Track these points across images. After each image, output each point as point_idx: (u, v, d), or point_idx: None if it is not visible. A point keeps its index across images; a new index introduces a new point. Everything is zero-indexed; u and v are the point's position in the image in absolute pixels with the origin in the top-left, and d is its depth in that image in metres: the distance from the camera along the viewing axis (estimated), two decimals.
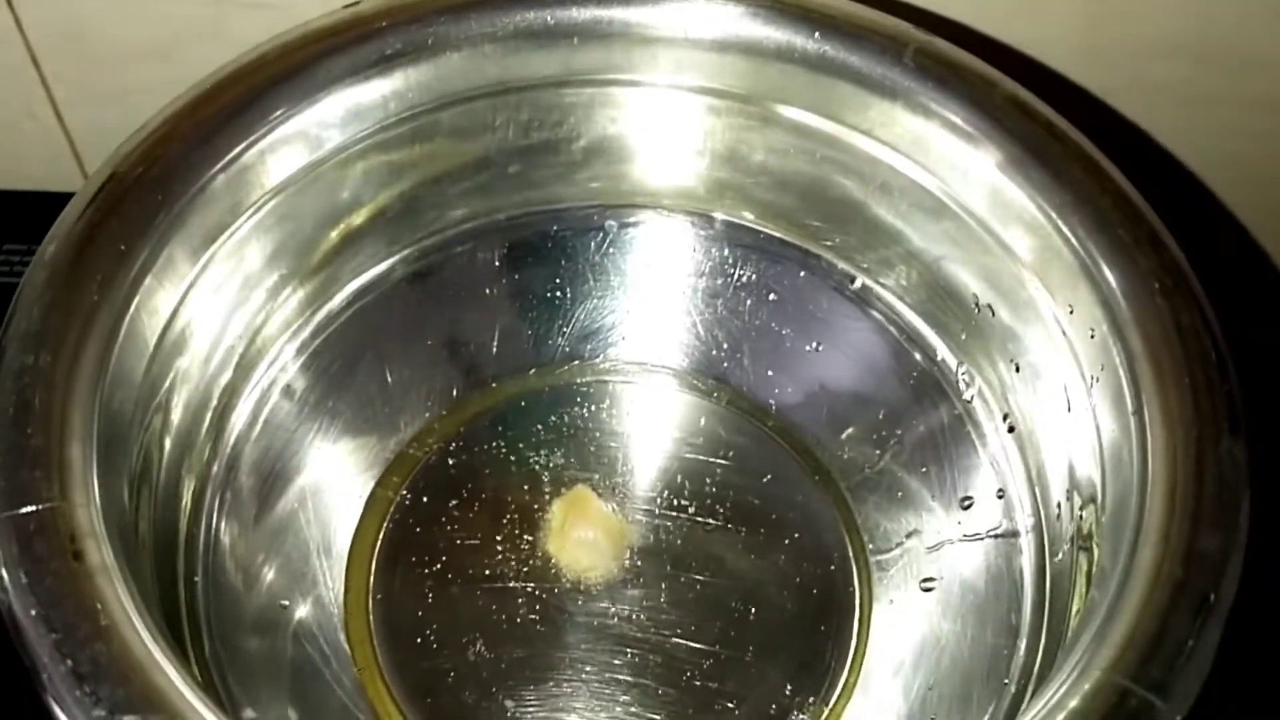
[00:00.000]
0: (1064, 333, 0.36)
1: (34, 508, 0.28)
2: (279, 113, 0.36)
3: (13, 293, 0.50)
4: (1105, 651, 0.28)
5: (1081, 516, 0.36)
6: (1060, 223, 0.36)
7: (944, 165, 0.39)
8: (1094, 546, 0.35)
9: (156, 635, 0.27)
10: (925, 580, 0.42)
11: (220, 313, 0.38)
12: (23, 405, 0.29)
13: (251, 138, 0.36)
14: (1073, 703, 0.27)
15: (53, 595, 0.27)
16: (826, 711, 0.40)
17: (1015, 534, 0.40)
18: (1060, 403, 0.37)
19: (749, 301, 0.46)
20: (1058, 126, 0.37)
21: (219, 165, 0.35)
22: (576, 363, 0.47)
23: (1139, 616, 0.29)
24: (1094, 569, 0.34)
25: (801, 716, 0.40)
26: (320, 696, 0.39)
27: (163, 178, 0.34)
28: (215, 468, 0.39)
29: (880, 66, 0.38)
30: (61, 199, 0.54)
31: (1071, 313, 0.36)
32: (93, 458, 0.30)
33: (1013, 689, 0.37)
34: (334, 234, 0.41)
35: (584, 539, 0.43)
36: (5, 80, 0.51)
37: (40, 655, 0.26)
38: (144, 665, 0.26)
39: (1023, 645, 0.38)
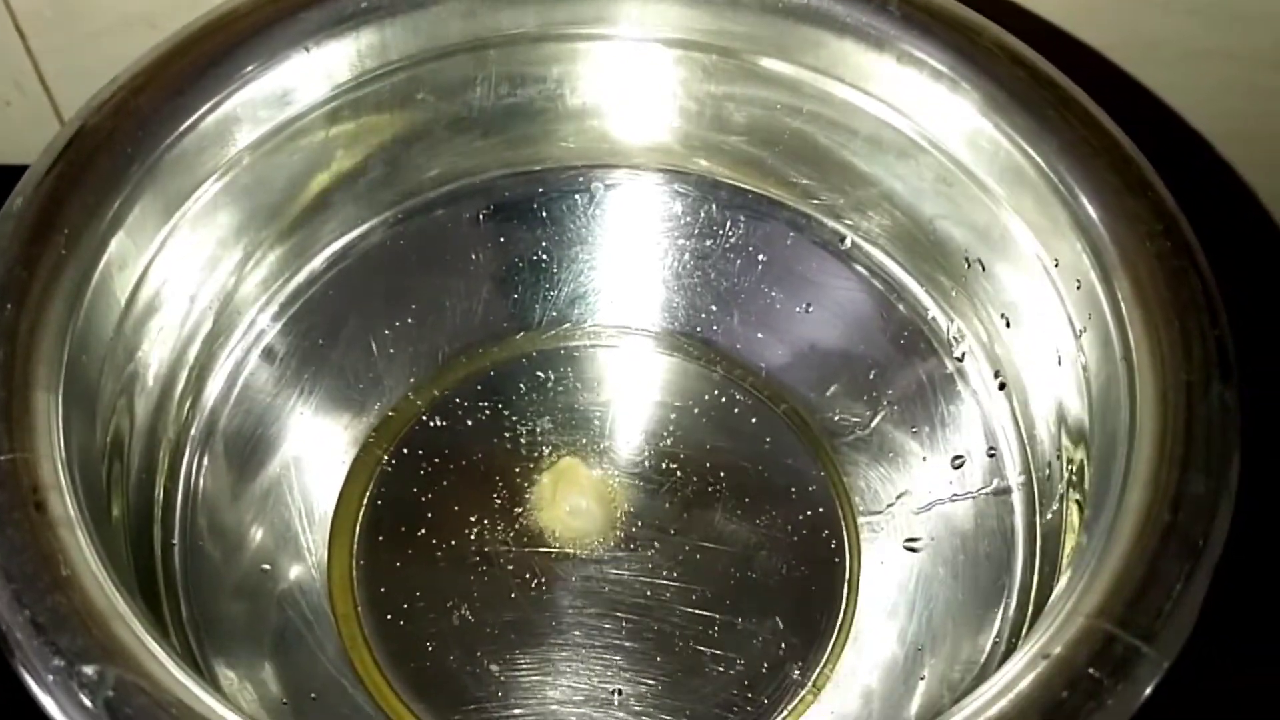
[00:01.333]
0: (1053, 283, 0.36)
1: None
2: (251, 68, 0.36)
3: None
4: (1091, 597, 0.28)
5: (1072, 471, 0.35)
6: (1048, 169, 0.35)
7: (930, 115, 0.38)
8: (1084, 500, 0.34)
9: (120, 588, 0.27)
10: (915, 540, 0.41)
11: (194, 273, 0.37)
12: None
13: (223, 93, 0.35)
14: (1058, 648, 0.27)
15: (13, 545, 0.26)
16: (817, 671, 0.39)
17: (1006, 492, 0.39)
18: (1051, 356, 0.36)
19: (737, 262, 0.45)
20: (1044, 72, 0.36)
21: (190, 121, 0.35)
22: (563, 326, 0.46)
23: (1126, 561, 0.28)
24: (1083, 520, 0.33)
25: (793, 676, 0.39)
26: (303, 661, 0.38)
27: (132, 132, 0.34)
28: (193, 431, 0.39)
29: (865, 15, 0.38)
30: None
31: (1060, 263, 0.35)
32: (58, 411, 0.29)
33: (1003, 647, 0.36)
34: (310, 194, 0.40)
35: (574, 505, 0.42)
36: None
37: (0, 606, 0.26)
38: (105, 616, 0.26)
39: (1013, 603, 0.37)
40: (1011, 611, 0.37)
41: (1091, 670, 0.26)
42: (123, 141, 0.33)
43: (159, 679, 0.25)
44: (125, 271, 0.34)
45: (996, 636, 0.37)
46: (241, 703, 0.35)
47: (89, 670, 0.25)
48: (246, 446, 0.40)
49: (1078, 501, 0.35)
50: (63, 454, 0.28)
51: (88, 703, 0.25)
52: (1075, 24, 0.48)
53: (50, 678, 0.25)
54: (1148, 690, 0.26)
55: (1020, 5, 0.46)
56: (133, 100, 0.34)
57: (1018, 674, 0.27)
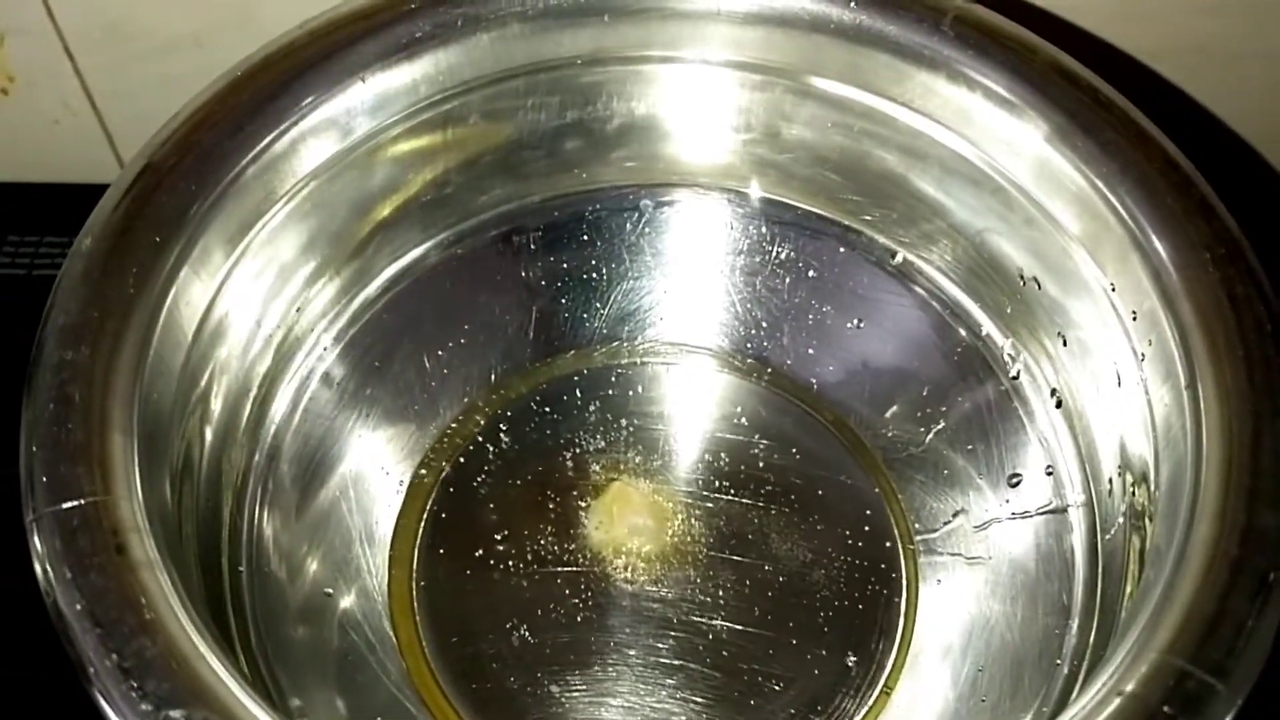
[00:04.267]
0: (1113, 305, 0.36)
1: (76, 502, 0.28)
2: (309, 99, 0.36)
3: (53, 285, 0.51)
4: (1162, 633, 0.28)
5: (1134, 493, 0.35)
6: (1108, 192, 0.35)
7: (986, 135, 0.38)
8: (1146, 524, 0.34)
9: (201, 629, 0.27)
10: (973, 560, 0.41)
11: (257, 302, 0.37)
12: (63, 399, 0.29)
13: (283, 125, 0.36)
14: (1130, 685, 0.27)
15: (97, 590, 0.27)
16: (875, 693, 0.40)
17: (1065, 511, 0.39)
18: (1110, 377, 0.36)
19: (788, 279, 0.45)
20: (1102, 93, 0.36)
21: (251, 154, 0.35)
22: (615, 344, 0.46)
23: (1196, 596, 0.28)
24: (1147, 547, 0.33)
25: (849, 698, 0.39)
26: (367, 684, 0.39)
27: (196, 167, 0.34)
28: (256, 458, 0.39)
29: (918, 35, 0.38)
30: (100, 191, 0.55)
31: (1121, 285, 0.35)
32: (133, 451, 0.30)
33: (1065, 670, 0.36)
34: (368, 220, 0.41)
35: (631, 525, 0.42)
36: (41, 74, 0.51)
37: (86, 650, 0.26)
38: (189, 659, 0.26)
39: (1075, 625, 0.37)
40: (1074, 633, 0.37)
41: (1166, 708, 0.26)
42: (186, 177, 0.34)
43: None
44: (192, 306, 0.34)
45: (1059, 659, 0.37)
46: None
47: (176, 714, 0.25)
48: (307, 471, 0.41)
49: (1141, 524, 0.34)
50: (140, 495, 0.29)
51: None
52: (1118, 32, 0.48)
53: None
54: None
55: (1062, 18, 0.46)
56: (194, 135, 0.35)
57: (1091, 711, 0.27)
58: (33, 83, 0.52)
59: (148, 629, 0.26)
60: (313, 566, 0.40)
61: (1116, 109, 0.36)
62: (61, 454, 0.29)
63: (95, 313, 0.31)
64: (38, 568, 0.27)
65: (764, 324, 0.46)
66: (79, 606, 0.27)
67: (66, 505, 0.28)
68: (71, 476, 0.28)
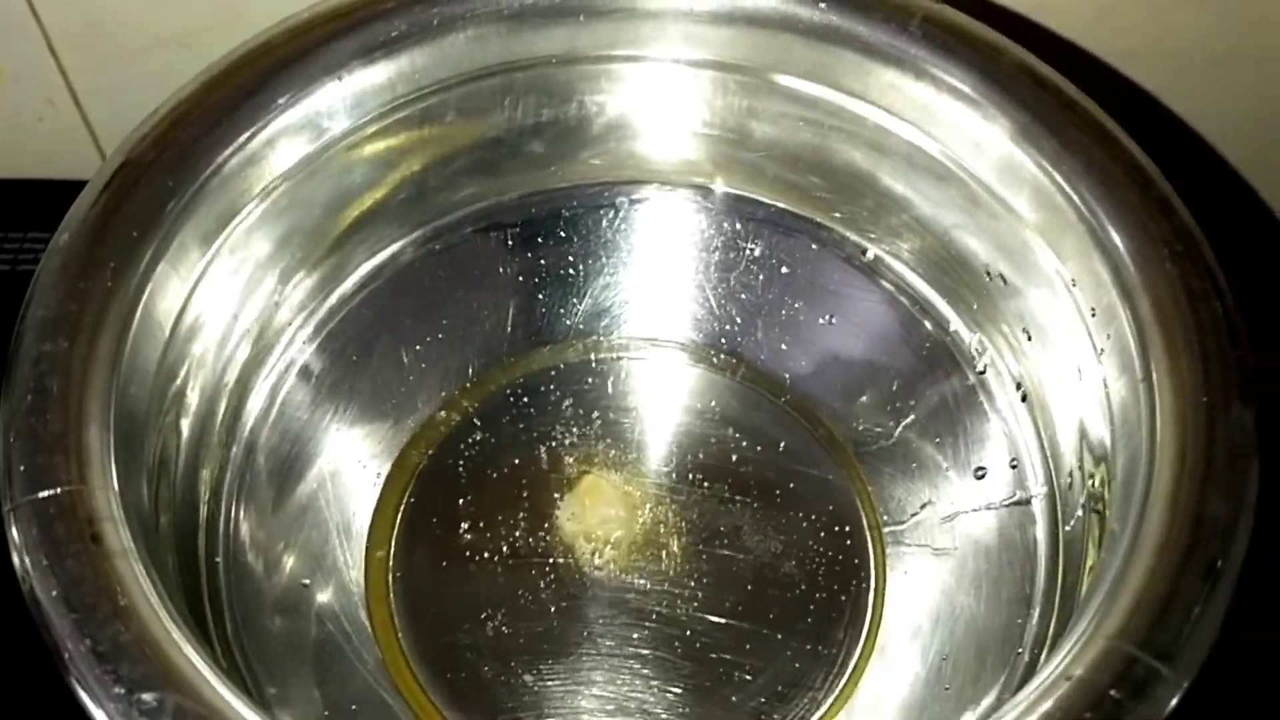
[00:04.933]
0: (1074, 300, 0.36)
1: (52, 491, 0.28)
2: (286, 97, 0.37)
3: None
4: (1113, 618, 0.28)
5: (1093, 483, 0.36)
6: (1069, 190, 0.36)
7: (952, 134, 0.38)
8: (1105, 512, 0.35)
9: (174, 615, 0.28)
10: (940, 550, 0.42)
11: (233, 298, 0.38)
12: (40, 391, 0.30)
13: (260, 123, 0.36)
14: (1079, 670, 0.28)
15: (72, 577, 0.27)
16: (843, 681, 0.40)
17: (1028, 503, 0.40)
18: (1071, 370, 0.37)
19: (761, 275, 0.46)
20: (1066, 93, 0.37)
21: (228, 151, 0.36)
22: (590, 339, 0.47)
23: (1146, 582, 0.29)
24: (1104, 534, 0.34)
25: (818, 686, 0.40)
26: (343, 674, 0.39)
27: (173, 164, 0.35)
28: (234, 451, 0.40)
29: (886, 35, 0.38)
30: (83, 187, 0.56)
31: (1081, 280, 0.36)
32: (110, 443, 0.30)
33: (1026, 657, 0.37)
34: (345, 217, 0.41)
35: (604, 516, 0.43)
36: (24, 70, 0.52)
37: (61, 635, 0.27)
38: (162, 645, 0.27)
39: (1036, 613, 0.38)
40: (1035, 622, 0.37)
41: (1113, 692, 0.27)
42: (164, 173, 0.34)
43: (215, 705, 0.26)
44: (169, 301, 0.34)
45: (1020, 647, 0.37)
46: (287, 718, 0.36)
47: (149, 698, 0.26)
48: (285, 464, 0.41)
49: (1099, 514, 0.35)
50: (115, 485, 0.30)
51: None
52: (1090, 36, 0.49)
53: (111, 705, 0.26)
54: (1167, 710, 0.27)
55: (1036, 22, 0.47)
56: (171, 133, 0.35)
57: (1040, 695, 0.27)
58: (16, 79, 0.52)
59: (121, 615, 0.27)
60: (289, 558, 0.40)
61: (1080, 109, 0.36)
62: (38, 444, 0.29)
63: (73, 306, 0.31)
64: (15, 556, 0.28)
65: (737, 319, 0.46)
66: (54, 593, 0.27)
67: (43, 494, 0.28)
68: (48, 466, 0.29)
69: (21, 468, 0.29)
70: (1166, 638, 0.28)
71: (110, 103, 0.54)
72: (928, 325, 0.43)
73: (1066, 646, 0.29)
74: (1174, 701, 0.27)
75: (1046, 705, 0.27)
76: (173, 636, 0.27)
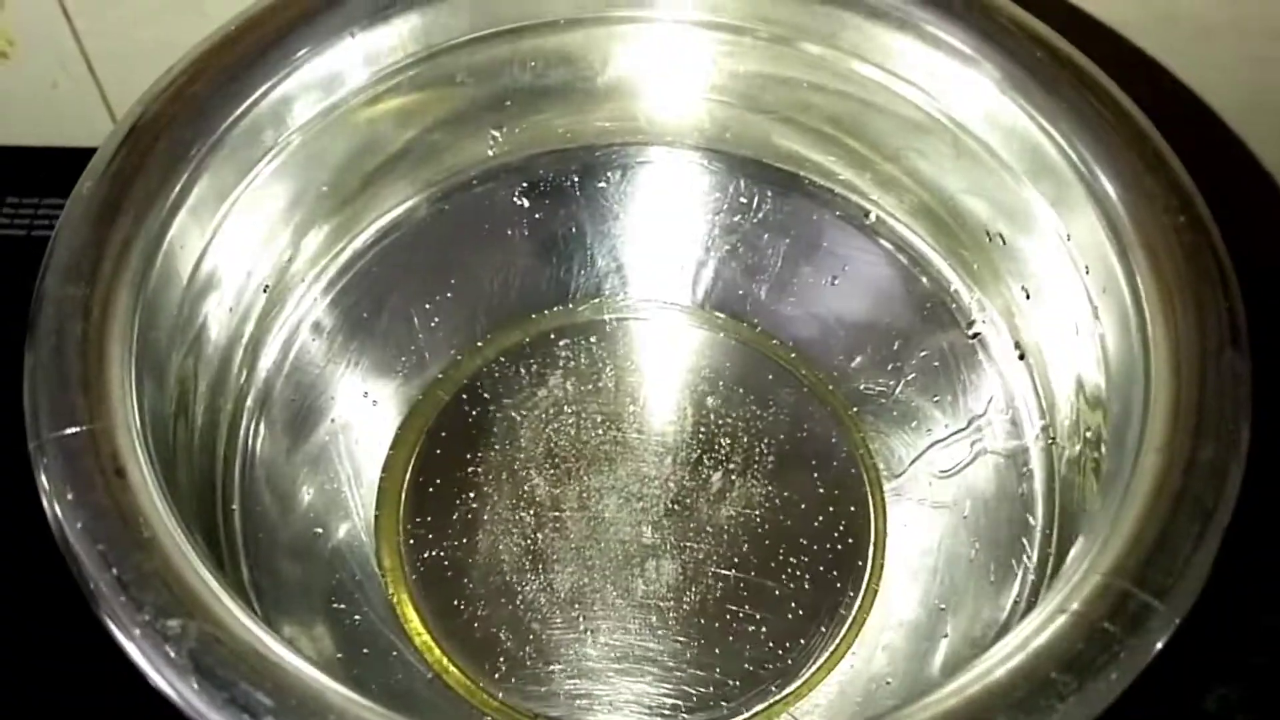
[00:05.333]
0: (1070, 256, 0.37)
1: (78, 428, 0.29)
2: (300, 54, 0.37)
3: None
4: (1107, 557, 0.29)
5: (1089, 435, 0.37)
6: (1066, 147, 0.36)
7: (952, 94, 0.39)
8: (1100, 463, 0.35)
9: (196, 547, 0.29)
10: (939, 504, 0.43)
11: (249, 250, 0.39)
12: (63, 333, 0.31)
13: (275, 79, 0.37)
14: (1075, 604, 0.28)
15: (97, 510, 0.28)
16: (845, 629, 0.41)
17: (1026, 456, 0.41)
18: (1069, 327, 0.38)
19: (765, 237, 0.47)
20: (1062, 50, 0.37)
21: (245, 105, 0.36)
22: (596, 300, 0.48)
23: (1140, 523, 0.29)
24: (1100, 483, 0.34)
25: (819, 635, 0.41)
26: (354, 620, 0.40)
27: (191, 118, 0.35)
28: (249, 402, 0.40)
29: None
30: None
31: (1077, 235, 0.37)
32: (130, 384, 0.31)
33: (1023, 606, 0.38)
34: (356, 174, 0.42)
35: (609, 472, 0.44)
36: (39, 38, 0.52)
37: (87, 566, 0.28)
38: (184, 574, 0.28)
39: (1033, 564, 0.38)
40: (1031, 572, 0.38)
41: (1107, 625, 0.28)
42: (182, 127, 0.35)
43: (236, 632, 0.27)
44: (187, 249, 0.35)
45: (1017, 597, 0.38)
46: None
47: (173, 624, 0.27)
48: (299, 414, 0.42)
49: (1094, 467, 0.36)
50: (137, 424, 0.30)
51: (172, 654, 0.26)
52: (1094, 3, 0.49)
53: (137, 631, 0.27)
54: (1160, 644, 0.28)
55: None
56: (190, 87, 0.36)
57: (1036, 628, 0.28)
58: (32, 46, 0.53)
59: (145, 546, 0.28)
60: (303, 506, 0.41)
61: (1075, 65, 0.37)
62: (63, 384, 0.30)
63: (95, 252, 0.32)
64: (42, 491, 0.29)
65: (742, 280, 0.47)
66: (80, 525, 0.28)
67: (68, 431, 0.29)
68: (73, 404, 0.30)
69: (47, 405, 0.30)
70: (1160, 575, 0.28)
71: (124, 70, 0.54)
72: (928, 285, 0.44)
73: (1062, 583, 0.29)
74: (1166, 636, 0.28)
75: (1043, 637, 0.28)
76: (194, 567, 0.28)
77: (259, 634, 0.27)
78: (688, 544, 0.43)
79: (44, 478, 0.29)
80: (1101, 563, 0.29)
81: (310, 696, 0.26)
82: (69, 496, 0.28)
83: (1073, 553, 0.31)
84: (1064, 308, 0.38)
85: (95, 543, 0.28)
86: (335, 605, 0.40)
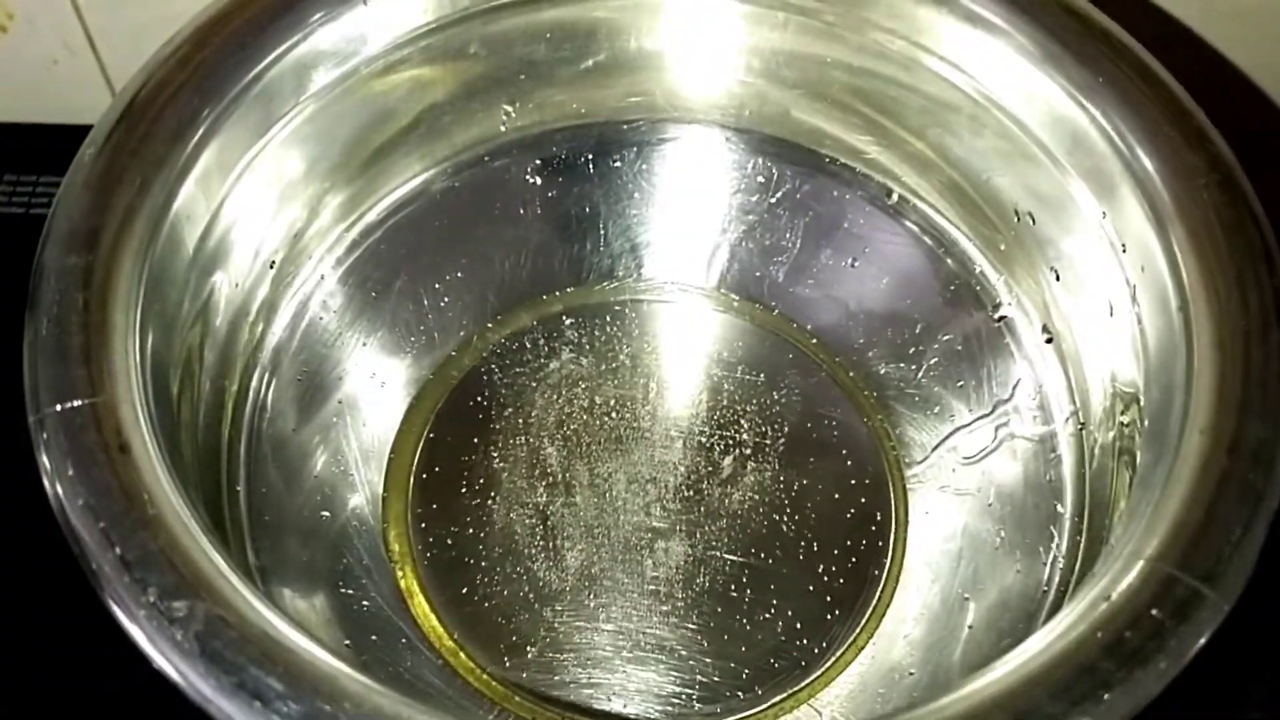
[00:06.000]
0: (1107, 235, 0.36)
1: (80, 402, 0.28)
2: (312, 20, 0.36)
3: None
4: (1151, 541, 0.28)
5: (1122, 422, 0.36)
6: (1103, 120, 0.35)
7: (984, 69, 0.38)
8: (1135, 451, 0.34)
9: (202, 525, 0.27)
10: (962, 491, 0.41)
11: (258, 223, 0.38)
12: (66, 304, 0.30)
13: (284, 46, 0.36)
14: (1120, 589, 0.27)
15: (100, 486, 0.27)
16: (865, 618, 0.40)
17: (1054, 442, 0.40)
18: (1102, 307, 0.37)
19: (785, 217, 0.45)
20: (1098, 23, 0.36)
21: (252, 73, 0.35)
22: (612, 280, 0.46)
23: (1185, 507, 0.28)
24: (1135, 472, 0.33)
25: (840, 623, 0.40)
26: (363, 606, 0.39)
27: (198, 84, 0.34)
28: (255, 380, 0.39)
29: None
30: None
31: (1114, 213, 0.36)
32: (134, 356, 0.30)
33: (1051, 594, 0.37)
34: (366, 147, 0.41)
35: (623, 456, 0.43)
36: (40, 12, 0.51)
37: (89, 545, 0.26)
38: (190, 553, 0.27)
39: (1061, 552, 0.37)
40: (1060, 561, 0.37)
41: (1154, 611, 0.27)
42: (189, 93, 0.34)
43: (244, 613, 0.26)
44: (193, 221, 0.34)
45: (1045, 585, 0.37)
46: None
47: (179, 606, 0.26)
48: (306, 392, 0.41)
49: (1129, 454, 0.35)
50: (141, 398, 0.29)
51: (179, 636, 0.25)
52: None
53: (142, 613, 0.26)
54: (1209, 632, 0.27)
55: None
56: (197, 54, 0.35)
57: (1081, 614, 0.27)
58: (32, 21, 0.52)
59: (150, 524, 0.27)
60: (310, 488, 0.40)
61: (1113, 39, 0.36)
62: (65, 356, 0.29)
63: (97, 220, 0.31)
64: (42, 466, 0.28)
65: (760, 262, 0.46)
66: (81, 502, 0.27)
67: (71, 405, 0.28)
68: (75, 377, 0.28)
69: (49, 378, 0.28)
70: (1207, 560, 0.27)
71: (125, 47, 0.53)
72: (953, 266, 0.43)
73: (1106, 569, 0.28)
74: (1216, 623, 0.27)
75: (1087, 624, 0.27)
76: (201, 546, 0.27)
77: (269, 616, 0.26)
78: (703, 529, 0.42)
79: (44, 453, 0.28)
80: (1145, 547, 0.28)
81: (323, 681, 0.25)
82: (70, 473, 0.27)
83: (1114, 537, 0.30)
84: (1098, 288, 0.37)
85: (97, 521, 0.27)
86: (343, 590, 0.39)
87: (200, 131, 0.34)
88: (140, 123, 0.33)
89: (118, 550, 0.26)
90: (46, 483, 0.28)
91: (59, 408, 0.28)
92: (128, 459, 0.28)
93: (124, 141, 0.33)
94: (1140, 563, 0.28)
